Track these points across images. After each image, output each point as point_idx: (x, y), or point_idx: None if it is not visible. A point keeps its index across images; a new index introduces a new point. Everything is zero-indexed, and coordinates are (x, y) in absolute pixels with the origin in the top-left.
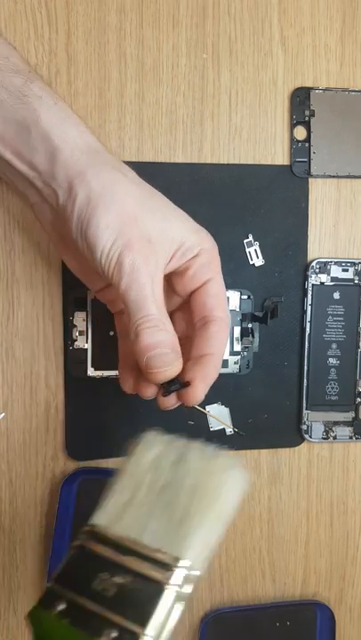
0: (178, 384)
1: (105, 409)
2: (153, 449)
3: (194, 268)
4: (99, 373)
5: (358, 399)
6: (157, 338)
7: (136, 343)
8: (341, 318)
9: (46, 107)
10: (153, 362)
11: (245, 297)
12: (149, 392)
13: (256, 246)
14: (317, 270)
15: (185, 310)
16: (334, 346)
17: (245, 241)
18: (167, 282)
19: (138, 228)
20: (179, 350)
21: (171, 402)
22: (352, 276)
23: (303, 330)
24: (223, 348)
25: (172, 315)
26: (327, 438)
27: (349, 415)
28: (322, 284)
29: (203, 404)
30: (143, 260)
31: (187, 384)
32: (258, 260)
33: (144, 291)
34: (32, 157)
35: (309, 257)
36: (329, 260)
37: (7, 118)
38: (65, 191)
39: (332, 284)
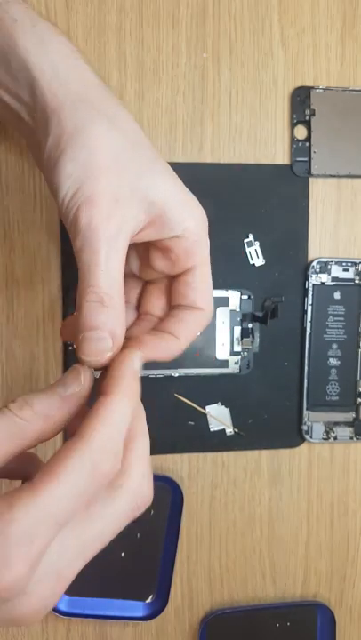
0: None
1: None
2: None
3: (175, 252)
4: (98, 373)
5: (359, 399)
6: (99, 318)
7: (77, 314)
8: (342, 318)
9: (22, 31)
10: (86, 345)
11: (245, 297)
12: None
13: (256, 246)
14: (318, 270)
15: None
16: (335, 346)
17: (245, 241)
18: (145, 251)
19: (106, 182)
20: (119, 335)
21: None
22: (353, 276)
23: (304, 330)
24: (191, 338)
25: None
26: (328, 439)
27: (350, 415)
28: (322, 283)
29: (203, 404)
30: (103, 221)
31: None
32: (258, 260)
33: (96, 256)
34: (17, 89)
35: (310, 257)
36: (329, 259)
37: None
38: (43, 128)
39: (332, 283)
